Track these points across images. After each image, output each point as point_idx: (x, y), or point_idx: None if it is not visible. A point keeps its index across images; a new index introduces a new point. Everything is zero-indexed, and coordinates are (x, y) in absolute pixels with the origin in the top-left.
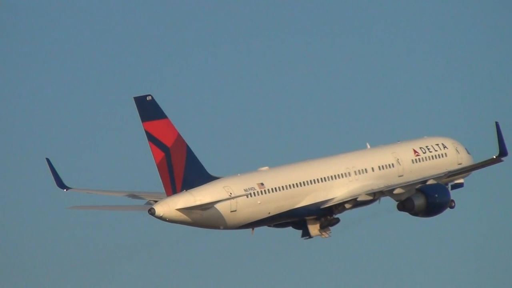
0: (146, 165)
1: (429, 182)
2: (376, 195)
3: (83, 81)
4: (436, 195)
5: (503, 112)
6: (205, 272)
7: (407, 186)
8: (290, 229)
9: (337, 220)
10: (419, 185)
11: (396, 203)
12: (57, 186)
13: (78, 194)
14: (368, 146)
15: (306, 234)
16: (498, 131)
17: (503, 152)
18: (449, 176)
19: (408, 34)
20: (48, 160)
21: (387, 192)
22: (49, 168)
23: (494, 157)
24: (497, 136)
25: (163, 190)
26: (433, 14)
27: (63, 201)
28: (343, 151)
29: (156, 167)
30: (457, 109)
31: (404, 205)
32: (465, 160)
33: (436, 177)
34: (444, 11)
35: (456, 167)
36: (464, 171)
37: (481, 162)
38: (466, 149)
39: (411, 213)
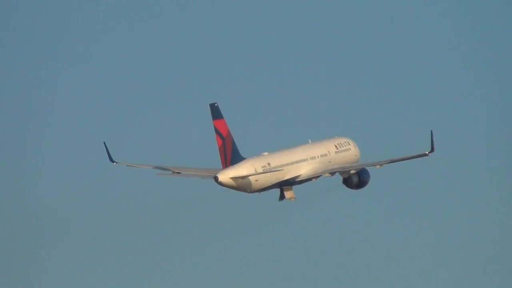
0: (208, 148)
1: (372, 166)
2: (333, 173)
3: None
4: (364, 175)
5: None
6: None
7: (356, 168)
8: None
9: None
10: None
11: (342, 179)
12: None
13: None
14: (310, 142)
15: (281, 197)
16: (432, 136)
17: (432, 150)
18: (380, 165)
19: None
20: (104, 143)
21: (341, 171)
22: (105, 149)
23: (427, 152)
24: (431, 139)
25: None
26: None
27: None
28: (299, 143)
29: (218, 149)
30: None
31: (346, 181)
32: (358, 153)
33: (379, 163)
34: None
35: (354, 158)
36: (401, 159)
37: (415, 155)
38: (357, 145)
39: (348, 187)
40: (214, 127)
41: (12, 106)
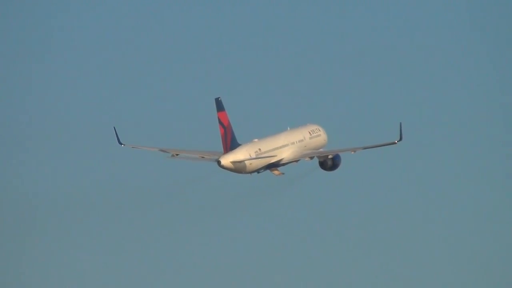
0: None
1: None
2: (312, 158)
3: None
4: (337, 159)
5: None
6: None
7: (333, 153)
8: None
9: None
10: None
11: (318, 162)
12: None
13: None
14: (288, 128)
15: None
16: (401, 127)
17: (401, 139)
18: (354, 150)
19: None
20: (114, 128)
21: (319, 156)
22: (115, 133)
23: (396, 141)
24: (400, 130)
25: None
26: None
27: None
28: (279, 130)
29: (220, 137)
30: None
31: (322, 163)
32: (326, 138)
33: (353, 149)
34: None
35: (323, 142)
36: (373, 147)
37: (385, 143)
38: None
39: (323, 169)
40: (218, 118)
41: (24, 93)
